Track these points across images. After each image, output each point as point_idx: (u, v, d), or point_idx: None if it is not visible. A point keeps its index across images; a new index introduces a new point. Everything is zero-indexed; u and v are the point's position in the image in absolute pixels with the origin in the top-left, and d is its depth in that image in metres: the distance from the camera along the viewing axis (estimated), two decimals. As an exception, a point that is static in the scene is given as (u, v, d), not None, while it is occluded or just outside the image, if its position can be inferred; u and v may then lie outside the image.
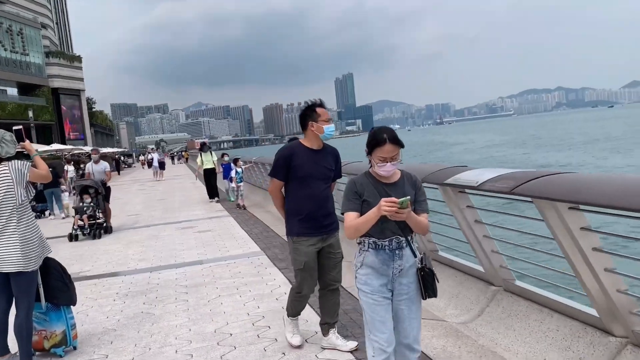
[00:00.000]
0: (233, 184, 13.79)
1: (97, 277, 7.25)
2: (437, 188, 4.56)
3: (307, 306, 4.55)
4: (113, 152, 67.38)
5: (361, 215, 2.75)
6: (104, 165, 12.08)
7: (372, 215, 2.64)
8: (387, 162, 2.72)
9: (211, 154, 15.71)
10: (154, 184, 27.77)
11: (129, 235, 10.67)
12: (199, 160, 15.79)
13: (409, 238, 2.84)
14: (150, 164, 32.80)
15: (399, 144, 2.73)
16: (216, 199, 15.34)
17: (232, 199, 14.70)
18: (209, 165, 15.39)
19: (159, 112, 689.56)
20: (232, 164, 14.05)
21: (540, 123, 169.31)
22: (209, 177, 15.46)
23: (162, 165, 32.37)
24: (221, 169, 15.53)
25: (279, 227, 9.89)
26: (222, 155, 15.95)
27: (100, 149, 14.32)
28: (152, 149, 36.23)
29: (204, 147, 16.24)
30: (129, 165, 66.95)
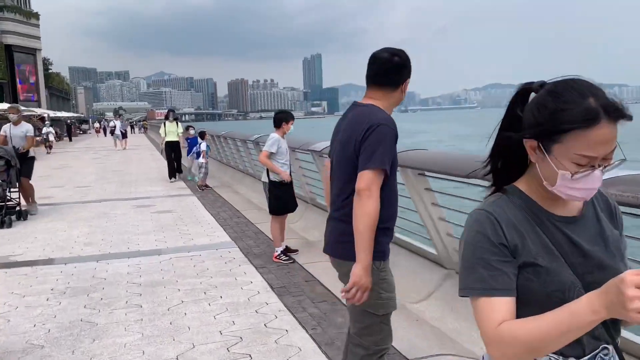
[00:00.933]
0: (202, 160, 12.27)
1: (30, 263, 5.95)
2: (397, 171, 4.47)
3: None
4: (68, 117, 64.21)
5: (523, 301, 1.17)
6: (26, 128, 9.23)
7: (582, 314, 1.01)
8: (595, 165, 1.12)
9: (177, 124, 13.64)
10: (109, 154, 25.96)
11: (75, 211, 9.30)
12: (162, 130, 13.61)
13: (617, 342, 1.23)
14: (112, 132, 30.60)
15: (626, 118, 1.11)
16: (177, 177, 13.57)
17: (196, 179, 12.90)
18: (173, 138, 13.34)
19: (119, 78, 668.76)
20: (198, 138, 12.54)
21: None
22: (172, 151, 13.32)
23: (124, 135, 30.41)
24: (185, 144, 13.56)
25: (252, 212, 8.75)
26: (187, 127, 13.82)
27: (20, 107, 10.60)
28: (119, 116, 34.20)
29: (169, 116, 13.87)
30: (84, 132, 63.88)
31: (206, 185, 11.96)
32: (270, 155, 5.86)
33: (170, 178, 13.33)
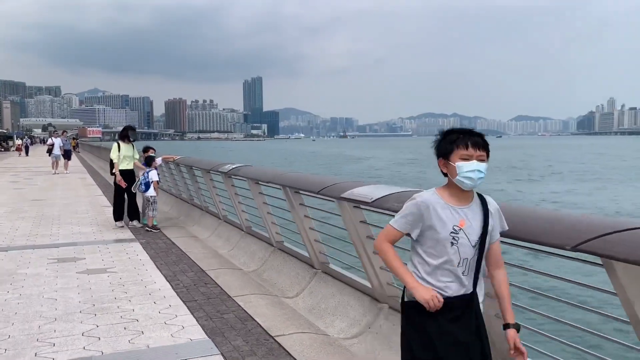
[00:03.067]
0: (153, 192, 9.39)
1: None
2: (333, 201, 4.74)
3: None
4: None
5: None
6: None
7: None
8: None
9: (133, 146, 9.92)
10: (32, 177, 22.45)
11: (-35, 269, 6.52)
12: (114, 154, 9.64)
13: None
14: (50, 151, 24.93)
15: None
16: (135, 223, 9.67)
17: (145, 221, 9.65)
18: (129, 165, 9.74)
19: (50, 94, 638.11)
20: (146, 165, 9.66)
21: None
22: (128, 183, 9.59)
23: (67, 154, 25.20)
24: (142, 174, 9.64)
25: (224, 274, 6.32)
26: (146, 150, 9.99)
27: None
28: (54, 132, 26.87)
29: (127, 135, 9.85)
30: (6, 149, 58.31)
31: (154, 227, 9.36)
32: None
33: (117, 221, 9.67)
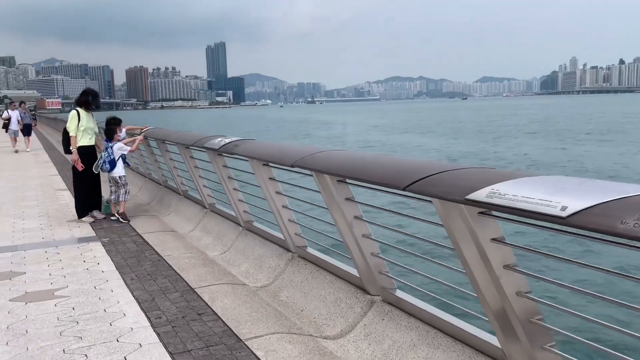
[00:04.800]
0: (121, 171, 7.39)
1: None
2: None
3: None
4: None
5: None
6: None
7: None
8: None
9: (93, 117, 7.69)
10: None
11: None
12: (72, 125, 7.33)
13: None
14: (5, 126, 20.96)
15: None
16: (95, 213, 7.59)
17: (109, 209, 7.72)
18: (90, 140, 7.49)
19: (3, 64, 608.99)
20: (107, 140, 7.49)
21: (417, 109, 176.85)
22: (86, 164, 7.37)
23: (27, 129, 21.28)
24: (105, 149, 7.51)
25: (223, 293, 4.48)
26: (110, 121, 7.68)
27: None
28: (11, 103, 21.42)
29: (89, 100, 7.53)
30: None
31: (123, 215, 7.39)
32: None
33: (81, 217, 7.49)
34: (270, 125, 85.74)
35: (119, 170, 7.39)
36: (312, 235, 4.68)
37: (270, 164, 4.38)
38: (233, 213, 5.82)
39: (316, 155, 3.59)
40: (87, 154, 7.45)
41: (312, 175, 3.74)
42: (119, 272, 5.13)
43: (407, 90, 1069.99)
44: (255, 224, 5.47)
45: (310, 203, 4.55)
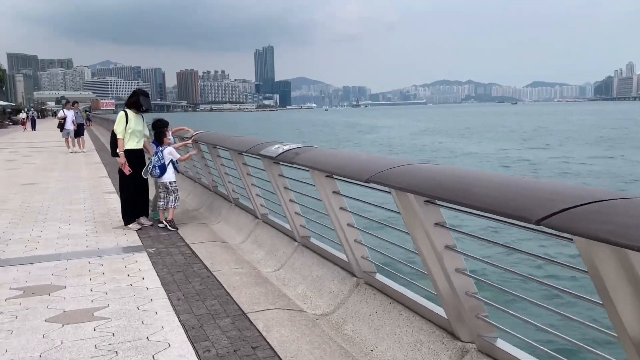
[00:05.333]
0: (172, 177, 6.94)
1: None
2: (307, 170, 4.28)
3: None
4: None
5: None
6: None
7: None
8: None
9: (143, 119, 7.23)
10: (32, 154, 20.25)
11: None
12: (119, 127, 6.92)
13: None
14: (61, 126, 20.30)
15: None
16: (142, 220, 7.14)
17: (157, 216, 7.32)
18: (138, 144, 7.06)
19: (62, 66, 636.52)
20: (157, 144, 7.07)
21: (465, 113, 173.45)
22: (136, 167, 6.97)
23: (80, 130, 20.73)
24: (154, 153, 7.10)
25: (280, 320, 3.93)
26: (157, 124, 7.21)
27: None
28: (67, 103, 22.11)
29: (138, 100, 7.08)
30: (15, 123, 56.16)
31: (171, 222, 7.00)
32: None
33: (128, 224, 7.08)
34: (313, 128, 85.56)
35: (170, 175, 6.98)
36: (382, 259, 4.08)
37: (335, 176, 3.79)
38: (288, 226, 5.28)
39: (397, 169, 2.99)
40: (135, 157, 7.06)
41: (388, 192, 3.14)
42: (165, 290, 4.66)
43: (454, 94, 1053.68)
44: (313, 240, 4.91)
45: (380, 222, 3.95)
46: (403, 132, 68.30)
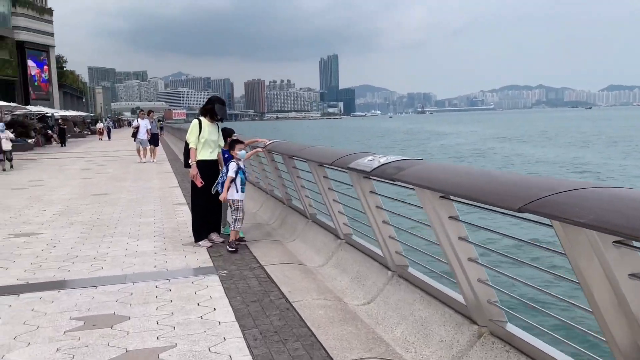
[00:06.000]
0: (239, 195, 6.27)
1: None
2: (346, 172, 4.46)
3: None
4: (74, 116, 59.77)
5: None
6: None
7: None
8: None
9: (219, 128, 6.73)
10: (107, 163, 20.63)
11: None
12: (192, 136, 6.46)
13: None
14: (134, 135, 20.04)
15: None
16: (214, 237, 6.65)
17: (228, 231, 6.73)
18: (212, 154, 6.57)
19: (137, 78, 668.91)
20: (229, 156, 6.44)
21: (535, 119, 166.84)
22: (206, 180, 6.43)
23: (154, 139, 20.40)
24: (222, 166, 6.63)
25: (351, 336, 3.18)
26: (228, 134, 6.88)
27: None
28: (140, 112, 21.50)
29: (214, 108, 6.56)
30: (94, 132, 58.84)
31: (241, 240, 6.43)
32: None
33: (198, 239, 6.56)
34: (378, 134, 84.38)
35: (231, 192, 6.33)
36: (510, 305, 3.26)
37: (452, 197, 3.01)
38: (380, 252, 4.51)
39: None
40: (208, 168, 6.53)
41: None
42: (240, 326, 4.00)
43: (524, 99, 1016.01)
44: (412, 270, 4.11)
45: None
46: (471, 138, 65.87)
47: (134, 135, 20.13)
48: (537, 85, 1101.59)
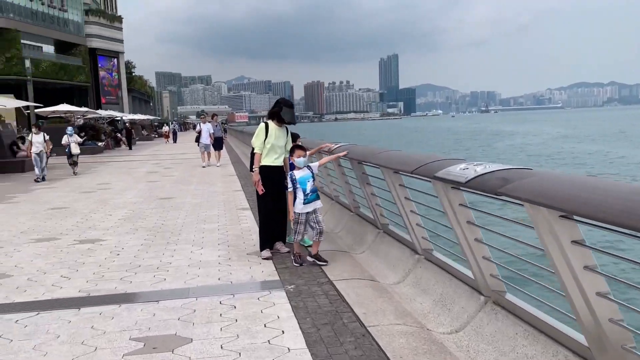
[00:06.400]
0: (297, 207, 5.75)
1: None
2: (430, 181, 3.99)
3: None
4: (142, 119, 61.88)
5: None
6: None
7: None
8: None
9: (288, 132, 6.33)
10: (173, 166, 20.92)
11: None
12: (258, 140, 6.09)
13: None
14: (197, 139, 19.68)
15: None
16: (279, 246, 6.28)
17: (307, 241, 6.30)
18: (277, 160, 6.18)
19: (202, 83, 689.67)
20: (292, 157, 5.88)
21: (608, 117, 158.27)
22: (269, 186, 6.08)
23: (218, 143, 19.82)
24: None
25: None
26: (293, 140, 6.38)
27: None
28: (202, 115, 23.83)
29: (281, 111, 6.12)
30: (161, 135, 60.70)
31: (318, 256, 5.95)
32: None
33: (264, 248, 6.15)
34: (439, 135, 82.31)
35: (297, 204, 5.76)
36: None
37: (576, 218, 2.43)
38: (469, 273, 3.94)
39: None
40: (272, 174, 6.14)
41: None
42: (311, 354, 3.56)
43: (594, 97, 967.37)
44: (511, 297, 3.53)
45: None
46: (539, 138, 62.91)
47: (197, 139, 19.76)
48: (609, 82, 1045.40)
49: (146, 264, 6.04)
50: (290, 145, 6.19)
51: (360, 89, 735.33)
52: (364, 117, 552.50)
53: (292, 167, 5.97)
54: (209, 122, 20.26)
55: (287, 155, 6.18)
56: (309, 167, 5.86)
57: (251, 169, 6.29)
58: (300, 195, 5.72)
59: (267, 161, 6.11)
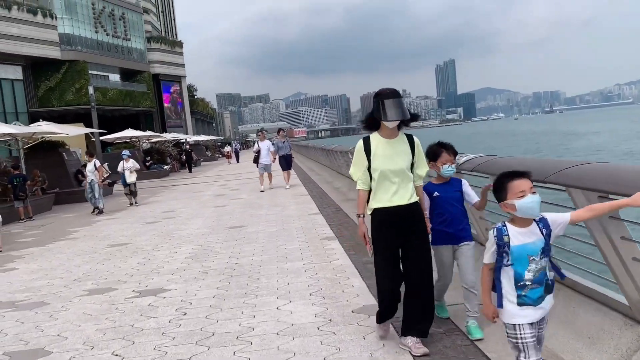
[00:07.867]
0: (542, 313, 2.64)
1: None
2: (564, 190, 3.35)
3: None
4: (206, 140, 62.28)
5: None
6: None
7: None
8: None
9: (412, 140, 3.86)
10: (239, 187, 19.71)
11: None
12: (356, 170, 3.85)
13: None
14: (256, 160, 17.10)
15: None
16: (412, 343, 3.71)
17: (441, 308, 4.37)
18: (392, 197, 3.68)
19: (260, 101, 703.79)
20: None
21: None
22: (391, 239, 3.71)
23: (287, 162, 17.23)
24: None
25: None
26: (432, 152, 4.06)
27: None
28: (259, 133, 18.56)
29: (384, 105, 3.71)
30: (224, 155, 60.76)
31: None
32: None
33: (381, 320, 3.94)
34: (508, 139, 78.15)
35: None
36: None
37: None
38: None
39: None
40: (393, 220, 3.71)
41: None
42: None
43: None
44: None
45: None
46: (615, 137, 58.09)
47: (256, 160, 17.05)
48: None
49: (222, 331, 4.49)
50: (424, 163, 3.89)
51: (417, 97, 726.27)
52: (423, 125, 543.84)
53: (430, 190, 4.06)
54: (269, 139, 17.89)
55: (421, 183, 3.93)
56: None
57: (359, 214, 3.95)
58: (509, 287, 2.62)
59: (380, 201, 3.74)
